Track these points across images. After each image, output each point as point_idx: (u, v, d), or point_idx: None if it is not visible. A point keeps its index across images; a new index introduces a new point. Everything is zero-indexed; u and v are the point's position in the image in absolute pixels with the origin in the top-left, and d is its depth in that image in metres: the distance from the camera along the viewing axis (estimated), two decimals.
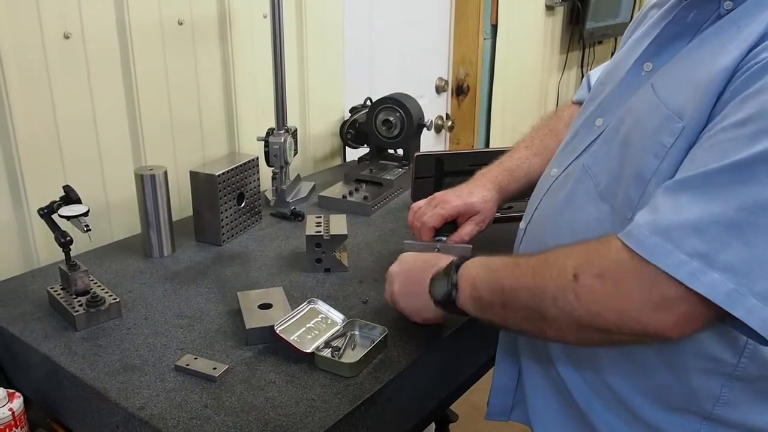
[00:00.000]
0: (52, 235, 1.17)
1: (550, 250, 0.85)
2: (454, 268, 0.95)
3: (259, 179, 1.56)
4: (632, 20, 1.16)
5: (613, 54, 3.64)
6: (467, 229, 1.20)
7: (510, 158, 1.28)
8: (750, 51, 0.77)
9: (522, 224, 1.10)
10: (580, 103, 1.30)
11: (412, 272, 1.05)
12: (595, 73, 1.28)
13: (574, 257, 0.80)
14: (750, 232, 0.70)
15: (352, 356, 1.04)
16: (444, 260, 1.00)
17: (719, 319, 0.74)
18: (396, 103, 1.85)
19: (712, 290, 0.70)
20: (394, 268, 1.09)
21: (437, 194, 1.24)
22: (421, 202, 1.25)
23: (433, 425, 1.82)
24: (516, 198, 1.28)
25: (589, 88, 1.27)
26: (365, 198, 1.66)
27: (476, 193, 1.22)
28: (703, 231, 0.71)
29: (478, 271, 0.93)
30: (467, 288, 0.93)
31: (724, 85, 0.78)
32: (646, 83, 0.92)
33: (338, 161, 2.14)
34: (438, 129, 2.76)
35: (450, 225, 1.21)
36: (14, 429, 1.01)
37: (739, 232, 0.70)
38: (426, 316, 1.08)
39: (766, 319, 0.70)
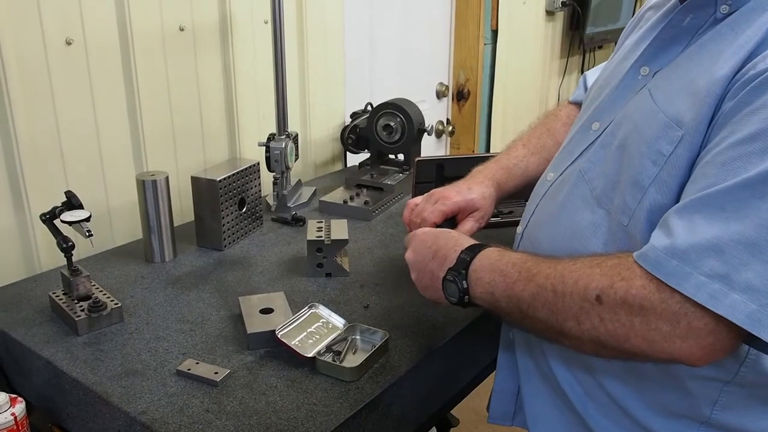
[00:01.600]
0: (54, 241, 1.17)
1: (562, 263, 0.83)
2: (462, 269, 0.93)
3: (260, 184, 1.56)
4: (629, 22, 1.16)
5: None
6: (467, 226, 1.19)
7: (507, 156, 1.27)
8: (748, 59, 0.77)
9: (519, 228, 1.10)
10: (576, 103, 1.30)
11: (425, 263, 1.02)
12: (592, 74, 1.28)
13: (596, 280, 0.78)
14: None
15: (353, 361, 1.04)
16: (453, 251, 0.97)
17: (745, 340, 0.73)
18: (397, 108, 1.86)
19: (733, 311, 0.69)
20: (409, 255, 1.06)
21: (436, 190, 1.23)
22: (418, 199, 1.24)
23: (434, 430, 1.81)
24: (513, 196, 1.28)
25: (586, 88, 1.27)
26: (366, 203, 1.67)
27: (475, 190, 1.21)
28: (721, 251, 0.70)
29: (492, 277, 0.90)
30: (484, 294, 0.91)
31: (723, 94, 0.77)
32: (642, 88, 0.92)
33: (339, 166, 2.15)
34: (438, 134, 2.77)
35: (449, 222, 1.20)
36: None
37: (758, 251, 0.68)
38: (447, 304, 1.04)
39: None
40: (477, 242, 0.98)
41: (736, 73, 0.77)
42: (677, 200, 0.80)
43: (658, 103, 0.86)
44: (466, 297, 0.93)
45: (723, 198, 0.72)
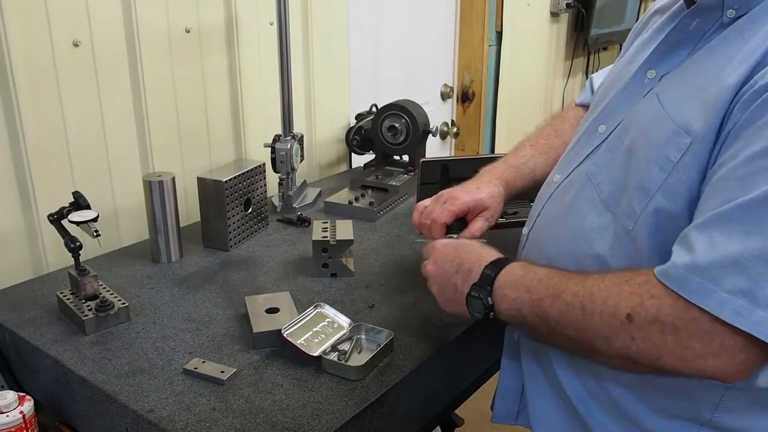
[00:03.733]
0: (62, 241, 1.18)
1: (590, 280, 0.83)
2: (487, 285, 0.93)
3: (265, 185, 1.57)
4: (634, 25, 1.17)
5: None
6: (477, 225, 1.19)
7: (515, 156, 1.27)
8: (756, 68, 0.77)
9: (525, 230, 1.10)
10: (583, 105, 1.31)
11: (448, 277, 1.01)
12: (598, 77, 1.28)
13: (626, 298, 0.78)
14: None
15: (358, 360, 1.04)
16: (476, 265, 0.96)
17: None
18: (401, 109, 1.86)
19: (759, 327, 0.68)
20: (430, 268, 1.05)
21: (444, 192, 1.22)
22: (427, 201, 1.24)
23: (438, 429, 1.82)
24: (521, 196, 1.28)
25: (592, 90, 1.27)
26: (371, 204, 1.67)
27: (484, 189, 1.21)
28: (743, 266, 0.69)
29: (517, 293, 0.89)
30: (510, 310, 0.91)
31: (731, 102, 0.77)
32: (650, 91, 0.92)
33: (344, 167, 2.15)
34: (443, 135, 2.77)
35: (459, 222, 1.20)
36: None
37: None
38: (468, 318, 1.03)
39: None
40: (500, 256, 0.97)
41: (745, 82, 0.77)
42: (685, 206, 0.80)
43: (666, 108, 0.86)
44: (492, 313, 0.93)
45: (742, 212, 0.71)
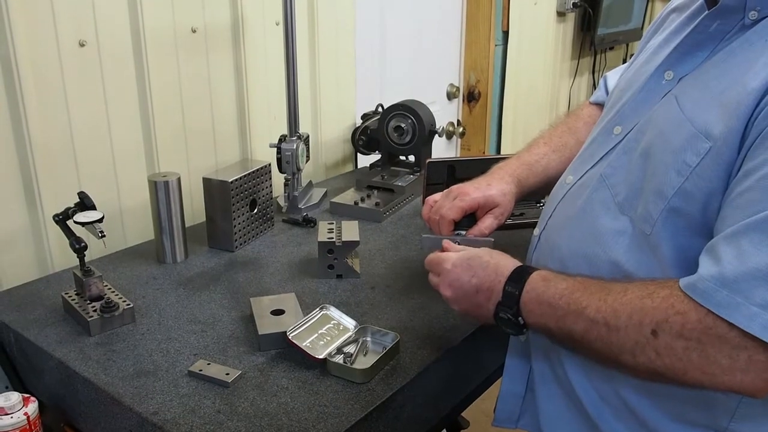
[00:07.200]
0: (67, 241, 1.18)
1: (612, 294, 0.82)
2: (513, 305, 0.91)
3: (271, 186, 1.56)
4: (651, 24, 1.15)
5: (624, 60, 3.64)
6: (487, 223, 1.17)
7: (528, 153, 1.26)
8: None
9: (536, 231, 1.09)
10: (597, 104, 1.29)
11: (469, 298, 0.99)
12: (613, 75, 1.26)
13: (650, 314, 0.77)
14: None
15: (364, 362, 1.04)
16: (497, 282, 0.94)
17: None
18: (407, 109, 1.86)
19: None
20: (446, 292, 1.01)
21: (455, 186, 1.20)
22: (437, 196, 1.22)
23: None
24: (534, 194, 1.26)
25: (607, 90, 1.26)
26: (377, 204, 1.67)
27: (495, 186, 1.19)
28: None
29: (541, 309, 0.89)
30: (536, 325, 0.91)
31: (755, 107, 0.76)
32: (668, 93, 0.90)
33: (350, 168, 2.15)
34: (449, 135, 2.76)
35: (468, 218, 1.18)
36: None
37: None
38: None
39: None
40: (517, 265, 0.96)
41: None
42: (700, 209, 0.79)
43: (685, 111, 0.85)
44: (525, 329, 0.93)
45: None
